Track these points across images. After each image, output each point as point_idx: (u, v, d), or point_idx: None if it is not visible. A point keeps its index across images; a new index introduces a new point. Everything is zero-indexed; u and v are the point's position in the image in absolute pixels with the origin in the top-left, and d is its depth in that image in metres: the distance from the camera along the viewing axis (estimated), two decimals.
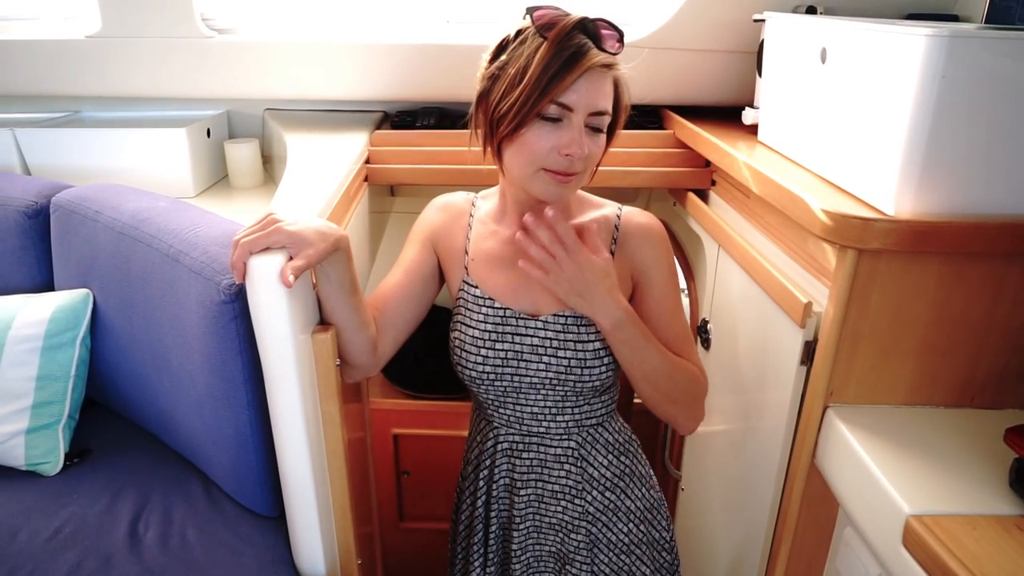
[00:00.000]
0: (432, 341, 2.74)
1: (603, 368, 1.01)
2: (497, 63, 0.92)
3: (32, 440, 1.21)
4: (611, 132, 0.96)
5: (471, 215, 1.09)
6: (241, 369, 1.04)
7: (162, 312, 1.15)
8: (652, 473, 1.18)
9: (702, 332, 1.44)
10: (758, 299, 1.15)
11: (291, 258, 0.87)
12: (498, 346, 1.04)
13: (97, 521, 1.11)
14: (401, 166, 1.53)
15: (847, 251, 0.90)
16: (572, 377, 1.01)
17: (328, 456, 1.04)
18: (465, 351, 1.05)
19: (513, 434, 1.10)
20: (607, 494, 1.11)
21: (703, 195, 1.49)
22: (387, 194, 2.14)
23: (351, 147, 1.46)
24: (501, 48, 0.93)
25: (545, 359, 1.01)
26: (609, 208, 1.06)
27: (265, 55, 1.63)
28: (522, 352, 1.02)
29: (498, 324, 1.04)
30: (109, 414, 1.37)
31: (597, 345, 1.00)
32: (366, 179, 1.51)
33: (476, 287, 1.06)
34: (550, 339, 1.01)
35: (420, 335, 2.85)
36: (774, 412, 1.10)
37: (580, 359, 1.00)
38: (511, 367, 1.03)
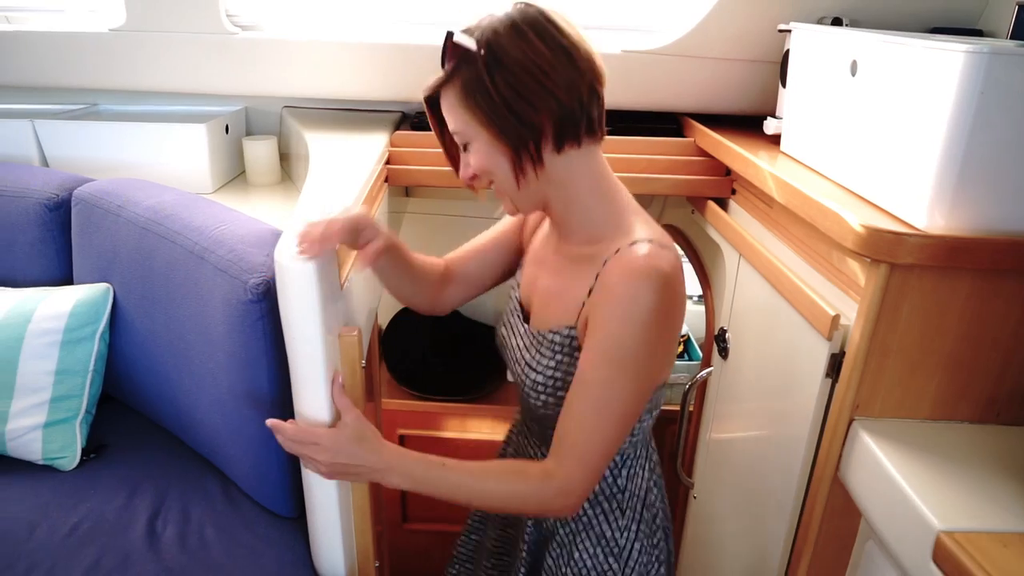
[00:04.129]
0: (440, 343, 2.74)
1: (541, 403, 0.94)
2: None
3: (50, 434, 1.20)
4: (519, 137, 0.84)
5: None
6: (266, 368, 1.04)
7: (184, 309, 1.15)
8: (630, 541, 1.01)
9: (719, 341, 1.44)
10: (781, 309, 1.15)
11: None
12: (502, 331, 1.06)
13: (115, 518, 1.11)
14: (421, 167, 1.53)
15: (879, 265, 0.90)
16: (530, 395, 0.96)
17: None
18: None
19: (520, 432, 1.11)
20: (556, 549, 1.03)
21: (722, 204, 1.50)
22: (402, 195, 2.14)
23: (372, 147, 1.45)
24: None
25: (516, 366, 1.00)
26: (618, 243, 0.87)
27: (287, 52, 1.63)
28: (514, 348, 1.01)
29: (510, 313, 1.05)
30: (125, 410, 1.37)
31: (539, 377, 0.93)
32: (386, 179, 1.51)
33: (518, 269, 1.07)
34: (521, 348, 0.99)
35: (428, 336, 2.85)
36: (796, 423, 1.10)
37: (532, 380, 0.94)
38: (508, 357, 1.03)
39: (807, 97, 1.23)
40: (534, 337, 0.97)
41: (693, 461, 1.66)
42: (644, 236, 0.85)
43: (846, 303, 1.00)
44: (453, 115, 0.87)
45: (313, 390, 0.93)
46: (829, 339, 0.99)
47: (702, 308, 1.79)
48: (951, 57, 0.83)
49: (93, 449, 1.25)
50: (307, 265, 0.86)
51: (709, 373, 1.54)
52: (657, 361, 0.87)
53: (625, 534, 1.02)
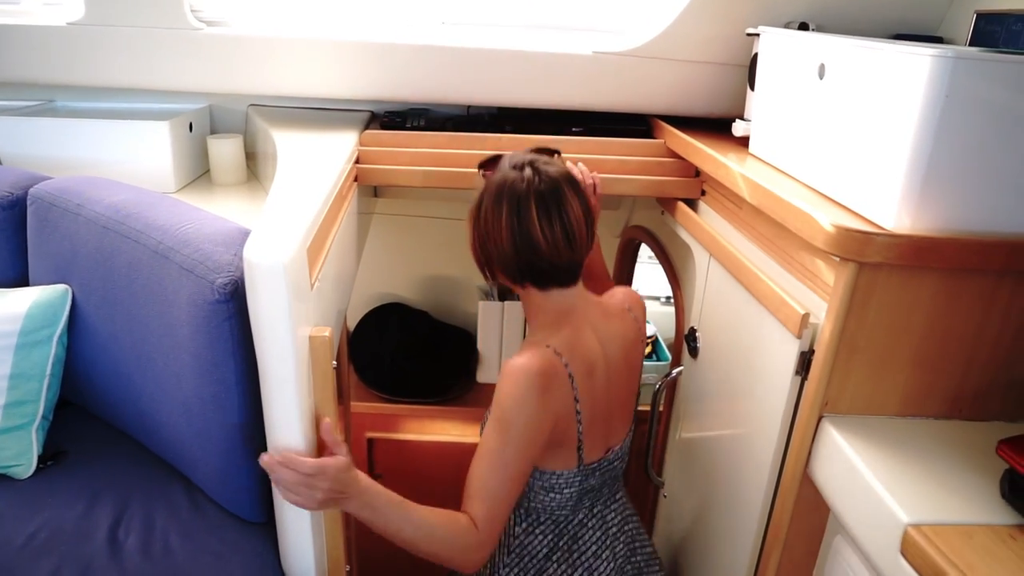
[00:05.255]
0: (408, 345, 2.71)
1: None
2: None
3: (4, 442, 1.16)
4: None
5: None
6: (234, 371, 1.01)
7: (148, 311, 1.12)
8: None
9: (690, 340, 1.46)
10: (750, 308, 1.17)
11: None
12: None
13: (74, 527, 1.07)
14: (391, 167, 1.51)
15: (848, 264, 0.91)
16: None
17: None
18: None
19: None
20: None
21: (692, 204, 1.51)
22: (371, 195, 2.12)
23: (342, 146, 1.43)
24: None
25: None
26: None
27: (253, 49, 1.60)
28: None
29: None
30: (84, 415, 1.33)
31: None
32: (356, 179, 1.49)
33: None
34: None
35: (396, 339, 2.82)
36: (765, 421, 1.11)
37: None
38: None
39: (775, 100, 1.25)
40: None
41: (663, 460, 1.67)
42: (536, 342, 1.11)
43: (815, 302, 1.01)
44: None
45: (282, 392, 0.91)
46: (799, 337, 1.01)
47: (671, 309, 1.80)
48: (918, 61, 0.85)
49: (51, 456, 1.21)
50: (277, 263, 0.85)
51: (679, 373, 1.56)
52: (529, 438, 1.05)
53: None
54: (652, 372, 2.70)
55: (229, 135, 1.70)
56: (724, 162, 1.26)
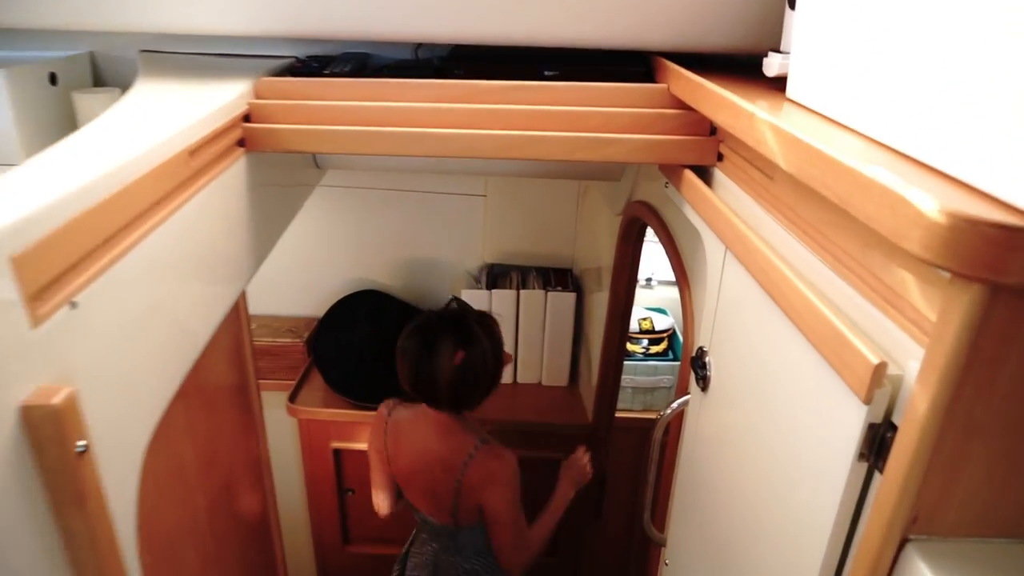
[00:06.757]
0: (377, 340, 2.33)
1: None
2: (470, 376, 1.45)
3: None
4: None
5: None
6: None
7: None
8: None
9: (697, 365, 1.04)
10: (786, 338, 0.75)
11: None
12: None
13: None
14: (292, 126, 1.12)
15: (970, 285, 0.49)
16: None
17: None
18: None
19: None
20: None
21: (704, 174, 1.09)
22: (311, 165, 1.72)
23: (215, 99, 1.04)
24: (466, 369, 1.44)
25: None
26: None
27: None
28: None
29: None
30: None
31: None
32: (242, 144, 1.10)
33: None
34: None
35: (366, 332, 2.40)
36: (809, 520, 0.71)
37: None
38: None
39: (831, 15, 0.81)
40: None
41: (666, 513, 1.27)
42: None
43: (899, 341, 0.60)
44: None
45: None
46: (867, 402, 0.59)
47: (680, 315, 1.39)
48: None
49: None
50: None
51: (685, 403, 1.15)
52: None
53: None
54: (667, 374, 2.29)
55: (103, 89, 1.32)
56: (748, 109, 0.83)
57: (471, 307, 1.55)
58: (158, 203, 0.82)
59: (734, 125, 0.88)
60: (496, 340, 1.49)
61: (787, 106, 0.87)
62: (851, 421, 0.61)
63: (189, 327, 0.91)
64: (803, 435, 0.72)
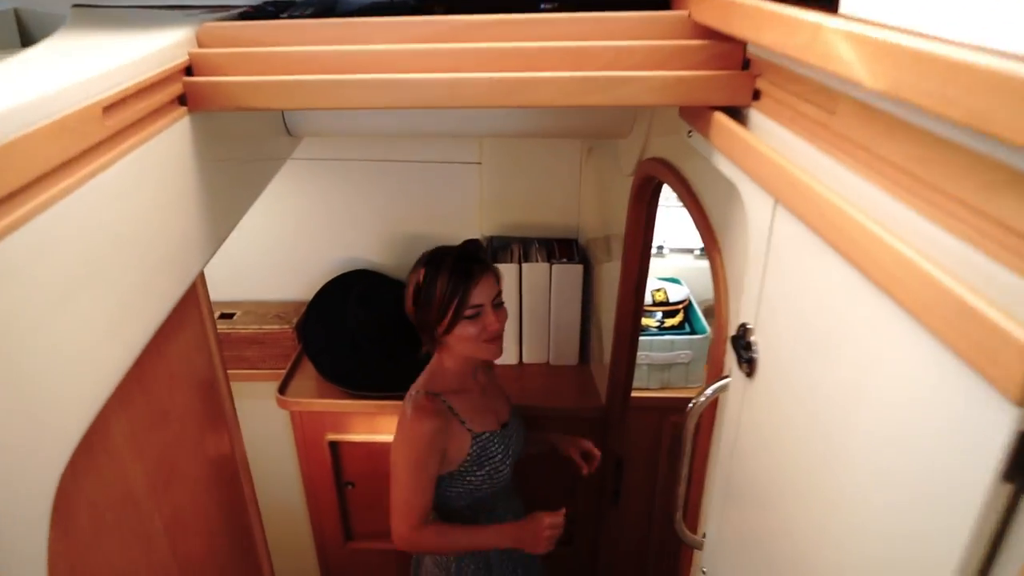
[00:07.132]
0: (370, 323, 2.16)
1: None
2: (421, 299, 1.48)
3: None
4: None
5: (452, 410, 1.54)
6: None
7: None
8: None
9: (740, 346, 0.87)
10: (879, 315, 0.58)
11: None
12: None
13: None
14: (248, 78, 0.93)
15: None
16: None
17: None
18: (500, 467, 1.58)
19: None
20: None
21: (738, 116, 0.90)
22: (281, 132, 1.54)
23: (140, 47, 0.86)
24: (417, 290, 1.48)
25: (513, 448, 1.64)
26: None
27: None
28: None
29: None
30: None
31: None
32: (182, 101, 0.92)
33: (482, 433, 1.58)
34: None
35: (359, 315, 2.22)
36: (910, 552, 0.54)
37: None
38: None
39: None
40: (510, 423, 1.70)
41: (699, 512, 1.11)
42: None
43: None
44: (497, 287, 1.51)
45: None
46: (1020, 403, 0.42)
47: (706, 263, 1.22)
48: None
49: None
50: None
51: (721, 389, 0.98)
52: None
53: None
54: (685, 348, 2.12)
55: (19, 49, 1.13)
56: (811, 19, 0.64)
57: (475, 242, 1.59)
58: (58, 169, 0.64)
59: (786, 45, 0.70)
60: (462, 272, 1.45)
61: (847, 24, 0.69)
62: (991, 428, 0.44)
63: (116, 324, 0.73)
64: (908, 446, 0.54)
